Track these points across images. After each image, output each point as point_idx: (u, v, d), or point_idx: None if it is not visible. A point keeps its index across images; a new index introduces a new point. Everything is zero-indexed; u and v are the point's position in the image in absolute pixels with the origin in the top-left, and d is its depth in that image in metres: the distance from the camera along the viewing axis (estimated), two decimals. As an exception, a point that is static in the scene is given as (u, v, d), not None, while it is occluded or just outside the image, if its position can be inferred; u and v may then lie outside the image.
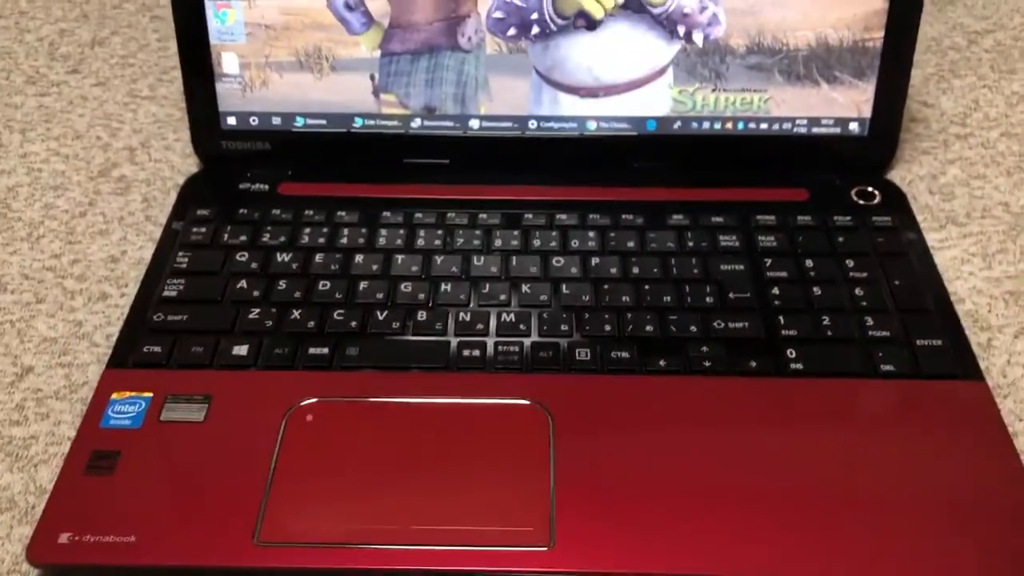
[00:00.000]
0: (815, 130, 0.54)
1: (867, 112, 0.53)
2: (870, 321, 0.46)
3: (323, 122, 0.55)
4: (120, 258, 0.51)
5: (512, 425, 0.42)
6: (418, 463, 0.40)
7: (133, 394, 0.43)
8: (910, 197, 0.53)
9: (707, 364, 0.44)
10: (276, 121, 0.55)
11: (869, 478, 0.40)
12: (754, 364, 0.44)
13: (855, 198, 0.53)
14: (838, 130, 0.54)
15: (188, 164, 0.57)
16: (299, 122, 0.55)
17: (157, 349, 0.45)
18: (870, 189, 0.53)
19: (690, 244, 0.50)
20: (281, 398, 0.42)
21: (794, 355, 0.44)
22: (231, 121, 0.55)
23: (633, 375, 0.44)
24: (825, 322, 0.46)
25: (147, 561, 0.37)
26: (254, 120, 0.55)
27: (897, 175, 0.56)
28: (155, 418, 0.42)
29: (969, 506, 0.39)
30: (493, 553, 0.37)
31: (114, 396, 0.43)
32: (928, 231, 0.52)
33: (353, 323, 0.46)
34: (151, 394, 0.43)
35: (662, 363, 0.44)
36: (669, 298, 0.47)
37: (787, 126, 0.54)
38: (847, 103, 0.53)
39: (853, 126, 0.54)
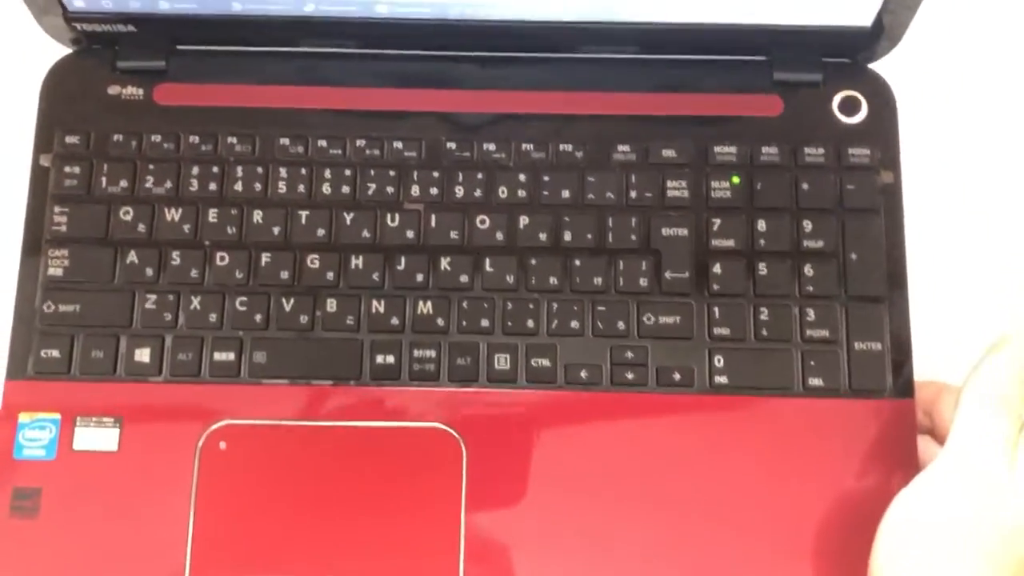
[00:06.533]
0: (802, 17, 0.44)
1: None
2: (810, 316, 0.43)
3: (194, 6, 0.44)
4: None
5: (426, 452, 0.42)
6: (334, 496, 0.41)
7: (41, 414, 0.42)
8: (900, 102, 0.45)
9: (629, 376, 0.42)
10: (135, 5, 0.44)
11: (773, 503, 0.41)
12: (677, 376, 0.42)
13: (836, 112, 0.45)
14: (836, 18, 0.44)
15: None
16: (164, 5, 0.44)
17: (56, 354, 0.42)
18: (857, 96, 0.45)
19: (633, 194, 0.44)
20: (192, 420, 0.42)
21: (721, 364, 0.42)
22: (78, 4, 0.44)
23: (553, 389, 0.42)
24: (762, 316, 0.43)
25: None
26: (107, 3, 0.44)
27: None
28: (68, 446, 0.42)
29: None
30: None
31: (22, 417, 0.42)
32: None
33: (257, 316, 0.43)
34: (59, 415, 0.42)
35: (583, 375, 0.42)
36: (600, 280, 0.43)
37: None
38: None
39: (856, 13, 0.43)
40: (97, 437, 0.42)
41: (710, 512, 0.41)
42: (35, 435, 0.42)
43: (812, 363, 0.42)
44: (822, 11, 0.43)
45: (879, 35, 0.44)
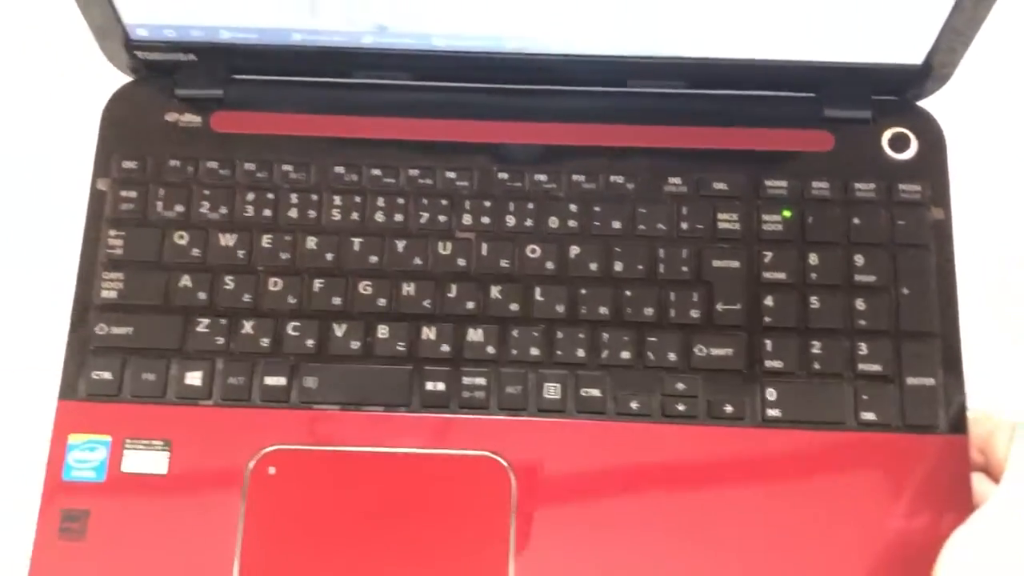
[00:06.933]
0: (853, 56, 0.44)
1: (932, 36, 0.43)
2: (863, 350, 0.42)
3: (254, 36, 0.45)
4: (47, 235, 0.46)
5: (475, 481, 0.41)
6: (383, 524, 0.41)
7: (91, 436, 0.42)
8: (950, 141, 0.45)
9: (680, 408, 0.42)
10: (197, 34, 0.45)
11: (832, 548, 0.40)
12: (729, 409, 0.42)
13: (887, 148, 0.45)
14: (887, 56, 0.44)
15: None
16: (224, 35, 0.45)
17: (108, 376, 0.43)
18: (906, 133, 0.45)
19: (684, 226, 0.44)
20: (241, 444, 0.42)
21: (774, 397, 0.42)
22: (141, 33, 0.45)
23: (603, 420, 0.42)
24: (814, 350, 0.43)
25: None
26: (170, 32, 0.45)
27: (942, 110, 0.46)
28: (117, 468, 0.42)
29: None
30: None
31: (72, 439, 0.42)
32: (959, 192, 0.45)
33: (309, 341, 0.43)
34: (109, 437, 0.42)
35: (634, 405, 0.42)
36: (651, 310, 0.43)
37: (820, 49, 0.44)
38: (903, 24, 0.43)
39: (907, 52, 0.44)
40: (146, 460, 0.42)
41: (761, 546, 0.40)
42: (85, 456, 0.42)
43: (865, 397, 0.42)
44: (873, 49, 0.44)
45: (929, 73, 0.44)
